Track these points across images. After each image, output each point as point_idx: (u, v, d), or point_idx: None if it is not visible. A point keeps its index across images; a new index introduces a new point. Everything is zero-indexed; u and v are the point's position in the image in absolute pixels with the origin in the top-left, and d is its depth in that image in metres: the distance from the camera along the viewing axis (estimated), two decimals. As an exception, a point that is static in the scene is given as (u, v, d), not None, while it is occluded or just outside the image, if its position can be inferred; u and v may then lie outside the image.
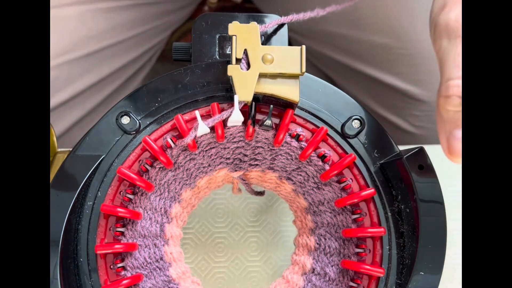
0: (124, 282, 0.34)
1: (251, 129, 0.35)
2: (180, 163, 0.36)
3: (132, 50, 0.66)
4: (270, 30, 0.40)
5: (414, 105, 0.62)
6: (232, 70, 0.33)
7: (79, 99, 0.62)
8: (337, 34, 0.64)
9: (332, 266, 0.37)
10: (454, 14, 0.31)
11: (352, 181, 0.37)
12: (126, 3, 0.63)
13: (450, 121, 0.30)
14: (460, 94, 0.29)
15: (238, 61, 0.34)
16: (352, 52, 0.63)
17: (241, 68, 0.33)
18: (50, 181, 0.34)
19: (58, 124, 0.61)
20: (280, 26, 0.40)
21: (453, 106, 0.30)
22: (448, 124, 0.30)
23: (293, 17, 0.39)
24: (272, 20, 0.39)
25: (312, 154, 0.36)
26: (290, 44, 0.40)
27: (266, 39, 0.40)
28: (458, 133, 0.30)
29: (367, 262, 0.36)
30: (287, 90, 0.34)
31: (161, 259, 0.36)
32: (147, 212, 0.36)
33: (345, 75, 0.66)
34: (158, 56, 0.76)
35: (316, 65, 0.71)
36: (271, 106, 0.35)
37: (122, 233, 0.35)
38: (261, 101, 0.36)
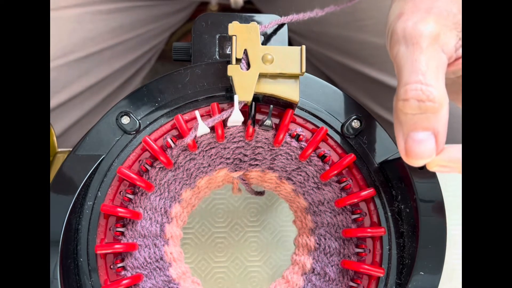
0: (124, 282, 0.34)
1: (251, 129, 0.35)
2: (180, 163, 0.36)
3: (130, 52, 0.66)
4: (270, 30, 0.40)
5: None
6: (232, 70, 0.33)
7: (77, 101, 0.62)
8: (337, 35, 0.64)
9: (332, 266, 0.37)
10: (411, 23, 0.32)
11: (352, 181, 0.37)
12: (125, 5, 0.63)
13: (408, 124, 0.31)
14: (418, 97, 0.30)
15: (238, 61, 0.34)
16: (353, 53, 0.63)
17: (241, 68, 0.33)
18: (50, 181, 0.34)
19: (56, 126, 0.61)
20: (280, 26, 0.40)
21: (411, 109, 0.31)
22: (406, 126, 0.31)
23: (293, 17, 0.39)
24: (272, 20, 0.39)
25: (312, 154, 0.36)
26: (290, 44, 0.40)
27: (266, 39, 0.40)
28: (416, 135, 0.31)
29: (367, 262, 0.36)
30: (287, 90, 0.34)
31: (161, 259, 0.36)
32: (147, 212, 0.36)
33: (346, 76, 0.66)
34: (157, 57, 0.76)
35: (317, 66, 0.71)
36: (271, 106, 0.35)
37: (122, 233, 0.35)
38: (261, 101, 0.36)
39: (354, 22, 0.61)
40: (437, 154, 0.31)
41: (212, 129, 0.35)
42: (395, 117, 0.32)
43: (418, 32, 0.32)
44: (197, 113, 0.34)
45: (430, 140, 0.31)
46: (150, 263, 0.36)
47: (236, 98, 0.33)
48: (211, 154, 0.37)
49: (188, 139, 0.35)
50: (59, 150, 0.44)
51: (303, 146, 0.36)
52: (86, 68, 0.61)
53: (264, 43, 0.40)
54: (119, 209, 0.34)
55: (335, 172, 0.36)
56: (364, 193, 0.35)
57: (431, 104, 0.30)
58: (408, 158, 0.31)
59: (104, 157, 0.35)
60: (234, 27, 0.34)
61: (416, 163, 0.31)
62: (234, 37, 0.34)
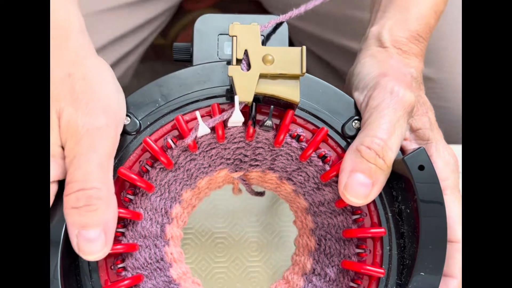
0: (125, 282, 0.34)
1: (251, 130, 0.35)
2: (181, 163, 0.36)
3: (136, 15, 0.65)
4: (270, 30, 0.40)
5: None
6: (233, 70, 0.33)
7: None
8: (338, 15, 0.63)
9: (332, 266, 0.37)
10: (397, 87, 0.35)
11: (353, 181, 0.37)
12: None
13: (360, 165, 0.34)
14: (377, 152, 0.33)
15: (238, 61, 0.34)
16: (354, 33, 0.62)
17: (242, 69, 0.33)
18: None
19: None
20: (280, 25, 0.40)
21: (368, 157, 0.33)
22: (357, 166, 0.34)
23: (292, 13, 0.39)
24: (271, 20, 0.39)
25: (313, 155, 0.36)
26: (289, 38, 0.40)
27: (266, 39, 0.40)
28: (358, 176, 0.34)
29: (367, 262, 0.36)
30: (287, 91, 0.34)
31: (162, 259, 0.36)
32: (147, 213, 0.36)
33: (347, 58, 0.65)
34: (158, 32, 0.74)
35: (317, 53, 0.70)
36: (272, 106, 0.35)
37: (123, 234, 0.35)
38: (262, 101, 0.36)
39: (355, 1, 0.61)
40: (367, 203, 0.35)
41: (213, 129, 0.35)
42: (350, 152, 0.34)
43: (404, 99, 0.35)
44: (197, 113, 0.34)
45: (368, 186, 0.34)
46: (150, 263, 0.36)
47: (237, 99, 0.33)
48: (212, 155, 0.37)
49: (188, 140, 0.35)
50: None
51: (303, 146, 0.36)
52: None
53: (265, 43, 0.40)
54: (120, 210, 0.34)
55: (335, 172, 0.36)
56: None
57: (383, 163, 0.34)
58: (344, 191, 0.34)
59: (104, 158, 0.35)
60: (235, 28, 0.34)
61: (351, 202, 0.34)
62: (234, 38, 0.34)
